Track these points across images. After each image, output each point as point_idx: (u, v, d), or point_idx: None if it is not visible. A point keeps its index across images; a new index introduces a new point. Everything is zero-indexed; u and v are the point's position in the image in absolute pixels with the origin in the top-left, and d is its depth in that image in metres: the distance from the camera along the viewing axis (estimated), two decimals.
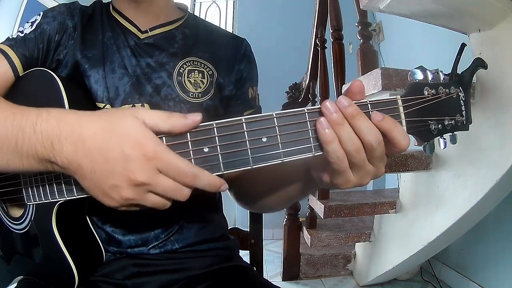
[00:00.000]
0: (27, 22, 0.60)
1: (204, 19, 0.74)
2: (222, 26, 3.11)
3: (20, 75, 0.56)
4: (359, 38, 1.62)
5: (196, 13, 3.12)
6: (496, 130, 1.07)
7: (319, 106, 0.37)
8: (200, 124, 0.36)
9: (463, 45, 0.41)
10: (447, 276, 1.83)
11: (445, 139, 0.41)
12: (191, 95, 0.62)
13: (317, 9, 1.97)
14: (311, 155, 0.37)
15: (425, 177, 1.41)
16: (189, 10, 0.72)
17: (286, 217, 1.99)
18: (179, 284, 0.61)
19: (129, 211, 0.39)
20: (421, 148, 0.41)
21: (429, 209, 1.39)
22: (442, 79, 0.40)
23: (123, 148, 0.34)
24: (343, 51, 1.68)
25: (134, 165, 0.34)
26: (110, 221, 0.60)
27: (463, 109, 0.40)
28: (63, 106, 0.48)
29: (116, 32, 0.63)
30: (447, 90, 0.39)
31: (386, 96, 0.39)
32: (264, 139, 0.36)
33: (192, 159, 0.36)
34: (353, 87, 0.38)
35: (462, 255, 1.76)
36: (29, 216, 0.53)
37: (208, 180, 0.36)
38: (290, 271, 1.96)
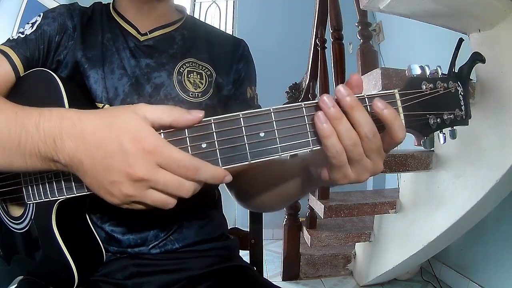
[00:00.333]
0: (28, 23, 0.60)
1: (202, 20, 0.75)
2: (222, 26, 3.12)
3: (21, 75, 0.56)
4: (359, 38, 1.62)
5: (196, 13, 3.12)
6: (496, 130, 1.07)
7: (317, 100, 0.37)
8: None
9: (460, 40, 0.41)
10: (447, 276, 1.83)
11: (444, 134, 0.41)
12: (191, 94, 0.62)
13: (317, 9, 1.97)
14: (309, 149, 0.37)
15: (425, 177, 1.41)
16: (189, 10, 0.73)
17: (286, 217, 1.99)
18: (179, 284, 0.61)
19: (132, 209, 0.38)
20: (421, 148, 0.41)
21: (429, 209, 1.39)
22: (440, 74, 0.40)
23: (122, 143, 0.34)
24: (343, 51, 1.68)
25: (133, 160, 0.34)
26: (110, 220, 0.60)
27: (462, 103, 0.40)
28: (63, 106, 0.48)
29: (116, 34, 0.63)
30: (445, 85, 0.39)
31: (383, 91, 0.39)
32: (262, 134, 0.36)
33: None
34: (351, 80, 0.38)
35: (462, 255, 1.76)
36: (29, 215, 0.53)
37: (211, 172, 0.36)
38: (290, 271, 1.96)
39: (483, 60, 0.40)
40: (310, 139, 0.37)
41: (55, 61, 0.60)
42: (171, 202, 0.37)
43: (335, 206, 1.54)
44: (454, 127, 0.41)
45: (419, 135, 0.40)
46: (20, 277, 0.58)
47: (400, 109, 0.38)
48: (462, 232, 1.43)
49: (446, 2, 1.00)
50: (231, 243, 0.71)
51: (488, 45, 1.08)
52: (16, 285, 0.58)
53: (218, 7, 3.25)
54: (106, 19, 0.64)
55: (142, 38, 0.63)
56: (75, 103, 0.49)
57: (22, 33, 0.58)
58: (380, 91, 0.38)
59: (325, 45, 1.90)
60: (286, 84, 2.31)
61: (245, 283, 0.63)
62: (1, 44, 0.57)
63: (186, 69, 0.63)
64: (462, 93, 0.40)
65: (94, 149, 0.35)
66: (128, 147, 0.34)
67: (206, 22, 0.77)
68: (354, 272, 1.99)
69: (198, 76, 0.63)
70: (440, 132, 0.40)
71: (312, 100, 0.38)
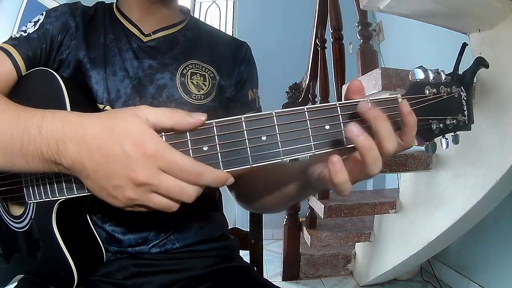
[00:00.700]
0: (30, 22, 0.60)
1: (204, 21, 0.75)
2: (222, 26, 3.12)
3: (23, 74, 0.56)
4: (359, 38, 1.62)
5: (196, 14, 3.12)
6: (496, 130, 1.07)
7: (319, 104, 0.37)
8: None
9: (464, 45, 0.41)
10: (447, 276, 1.83)
11: (447, 139, 0.41)
12: (194, 96, 0.62)
13: (317, 9, 1.97)
14: (311, 153, 0.37)
15: (425, 177, 1.41)
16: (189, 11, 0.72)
17: (286, 217, 1.99)
18: (179, 285, 0.61)
19: (135, 211, 0.38)
20: (420, 148, 0.40)
21: (429, 209, 1.39)
22: (443, 79, 0.40)
23: (123, 147, 0.34)
24: (343, 51, 1.68)
25: (135, 164, 0.34)
26: (110, 220, 0.60)
27: (465, 108, 0.40)
28: (64, 106, 0.48)
29: (119, 34, 0.63)
30: (448, 90, 0.39)
31: (386, 96, 0.39)
32: (264, 138, 0.36)
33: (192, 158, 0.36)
34: (352, 86, 0.38)
35: (462, 255, 1.76)
36: (29, 215, 0.53)
37: (213, 176, 0.36)
38: (290, 271, 1.95)
39: (486, 66, 0.40)
40: (312, 143, 0.37)
41: (57, 61, 0.59)
42: (174, 206, 0.37)
43: (335, 206, 1.54)
44: (457, 132, 0.41)
45: (422, 141, 0.40)
46: (20, 276, 0.58)
47: None
48: (462, 232, 1.43)
49: (446, 2, 1.00)
50: (231, 243, 0.71)
51: (488, 45, 1.08)
52: (16, 284, 0.58)
53: (218, 7, 3.25)
54: (109, 19, 0.64)
55: (145, 39, 0.63)
56: (76, 103, 0.49)
57: (25, 31, 0.58)
58: (380, 90, 0.38)
59: (325, 45, 1.90)
60: (286, 84, 2.30)
61: (246, 283, 0.63)
62: (3, 43, 0.57)
63: (189, 70, 0.63)
64: (465, 98, 0.40)
65: (97, 154, 0.35)
66: (130, 151, 0.34)
67: (207, 22, 0.77)
68: (354, 272, 1.98)
69: (202, 78, 0.63)
70: (442, 137, 0.40)
71: (312, 100, 0.38)
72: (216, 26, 0.76)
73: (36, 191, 0.49)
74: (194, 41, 0.67)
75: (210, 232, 0.67)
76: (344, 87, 1.55)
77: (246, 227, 0.85)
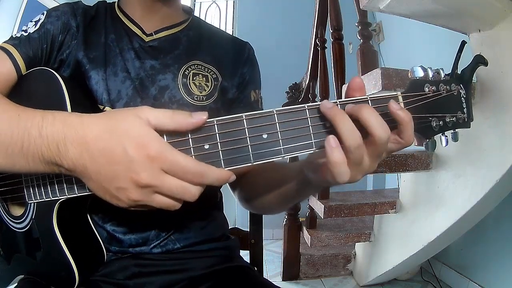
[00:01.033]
0: (31, 21, 0.59)
1: (207, 21, 0.74)
2: (222, 26, 3.12)
3: (23, 74, 0.56)
4: (359, 38, 1.62)
5: (196, 14, 3.11)
6: (496, 130, 1.07)
7: (319, 102, 0.37)
8: None
9: (463, 43, 0.41)
10: (447, 276, 1.83)
11: (446, 136, 0.41)
12: (196, 98, 0.61)
13: (317, 9, 1.97)
14: (312, 151, 0.37)
15: (425, 177, 1.41)
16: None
17: (286, 217, 1.99)
18: (180, 285, 0.61)
19: (137, 210, 0.38)
20: (420, 148, 0.41)
21: (429, 209, 1.39)
22: (442, 77, 0.40)
23: (126, 150, 0.34)
24: (343, 51, 1.68)
25: (138, 167, 0.34)
26: (111, 220, 0.60)
27: (464, 106, 0.40)
28: (65, 106, 0.48)
29: (120, 34, 0.62)
30: (447, 87, 0.39)
31: (386, 94, 0.39)
32: (265, 136, 0.36)
33: (193, 156, 0.36)
34: (353, 84, 0.38)
35: (462, 255, 1.76)
36: (30, 215, 0.53)
37: (216, 175, 0.36)
38: (290, 271, 1.95)
39: (485, 63, 0.40)
40: (313, 141, 0.37)
41: (57, 61, 0.59)
42: (177, 205, 0.37)
43: (335, 206, 1.54)
44: (456, 130, 0.41)
45: (422, 138, 0.40)
46: (21, 277, 0.58)
47: None
48: (462, 232, 1.43)
49: (446, 2, 1.00)
50: (231, 243, 0.71)
51: (488, 45, 1.08)
52: (16, 284, 0.58)
53: (218, 7, 3.25)
54: (110, 19, 0.64)
55: (147, 39, 0.63)
56: (77, 104, 0.49)
57: (26, 31, 0.58)
58: (380, 90, 0.38)
59: (325, 45, 1.90)
60: (286, 84, 2.30)
61: (246, 283, 0.63)
62: (4, 42, 0.57)
63: (192, 71, 0.62)
64: (464, 96, 0.40)
65: (98, 156, 0.35)
66: (133, 153, 0.34)
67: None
68: (354, 272, 1.99)
69: (204, 78, 0.63)
70: (442, 134, 0.41)
71: (312, 100, 0.38)
72: (216, 26, 0.75)
73: (37, 191, 0.49)
74: (197, 41, 0.66)
75: (211, 232, 0.67)
76: (344, 87, 1.55)
77: (246, 227, 0.85)
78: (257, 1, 2.97)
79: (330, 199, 1.63)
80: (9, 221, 0.58)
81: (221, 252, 0.67)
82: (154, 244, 0.61)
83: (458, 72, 0.41)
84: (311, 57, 2.06)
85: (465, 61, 0.42)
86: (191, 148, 0.36)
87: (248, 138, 0.36)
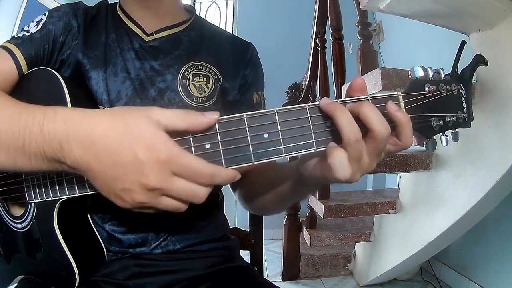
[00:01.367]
0: (33, 22, 0.60)
1: (209, 21, 0.73)
2: (222, 26, 3.11)
3: (24, 73, 0.56)
4: (359, 38, 1.62)
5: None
6: (496, 130, 1.07)
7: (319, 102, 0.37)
8: None
9: (463, 43, 0.41)
10: (447, 276, 1.83)
11: (447, 136, 0.41)
12: (195, 99, 0.61)
13: (317, 9, 1.97)
14: (313, 150, 0.37)
15: (425, 177, 1.41)
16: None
17: (286, 217, 1.99)
18: (180, 285, 0.61)
19: (141, 212, 0.37)
20: (421, 148, 0.41)
21: (429, 209, 1.39)
22: (442, 77, 0.40)
23: (135, 152, 0.33)
24: (343, 51, 1.68)
25: (147, 170, 0.33)
26: (111, 220, 0.60)
27: (464, 106, 0.40)
28: (65, 106, 0.48)
29: (121, 34, 0.62)
30: (448, 87, 0.39)
31: (386, 93, 0.39)
32: (266, 135, 0.36)
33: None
34: (355, 84, 0.38)
35: (462, 255, 1.76)
36: (30, 215, 0.53)
37: (224, 176, 0.35)
38: (290, 271, 1.96)
39: (485, 63, 0.41)
40: (314, 140, 0.37)
41: (58, 61, 0.59)
42: (182, 207, 0.36)
43: (335, 206, 1.54)
44: (457, 130, 0.41)
45: (422, 137, 0.40)
46: (21, 277, 0.58)
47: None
48: (462, 232, 1.43)
49: (446, 2, 1.00)
50: (232, 243, 0.71)
51: (488, 45, 1.08)
52: (16, 284, 0.58)
53: (218, 7, 3.25)
54: (111, 19, 0.64)
55: (147, 39, 0.62)
56: (77, 104, 0.49)
57: (28, 31, 0.58)
58: (380, 90, 0.38)
59: (325, 45, 1.90)
60: (286, 84, 2.30)
61: (246, 283, 0.63)
62: (6, 42, 0.57)
63: (192, 72, 0.62)
64: (464, 96, 0.40)
65: (104, 156, 0.34)
66: (142, 156, 0.33)
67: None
68: (354, 272, 1.99)
69: (204, 79, 0.62)
70: (442, 134, 0.41)
71: (312, 100, 0.38)
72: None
73: (37, 191, 0.49)
74: (198, 41, 0.66)
75: (211, 233, 0.67)
76: (344, 87, 1.55)
77: (246, 227, 0.85)
78: (257, 1, 2.97)
79: (330, 199, 1.63)
80: (9, 221, 0.58)
81: (222, 252, 0.67)
82: (154, 244, 0.61)
83: (458, 72, 0.41)
84: (311, 57, 2.06)
85: (465, 61, 0.42)
86: (192, 148, 0.36)
87: (249, 137, 0.36)
